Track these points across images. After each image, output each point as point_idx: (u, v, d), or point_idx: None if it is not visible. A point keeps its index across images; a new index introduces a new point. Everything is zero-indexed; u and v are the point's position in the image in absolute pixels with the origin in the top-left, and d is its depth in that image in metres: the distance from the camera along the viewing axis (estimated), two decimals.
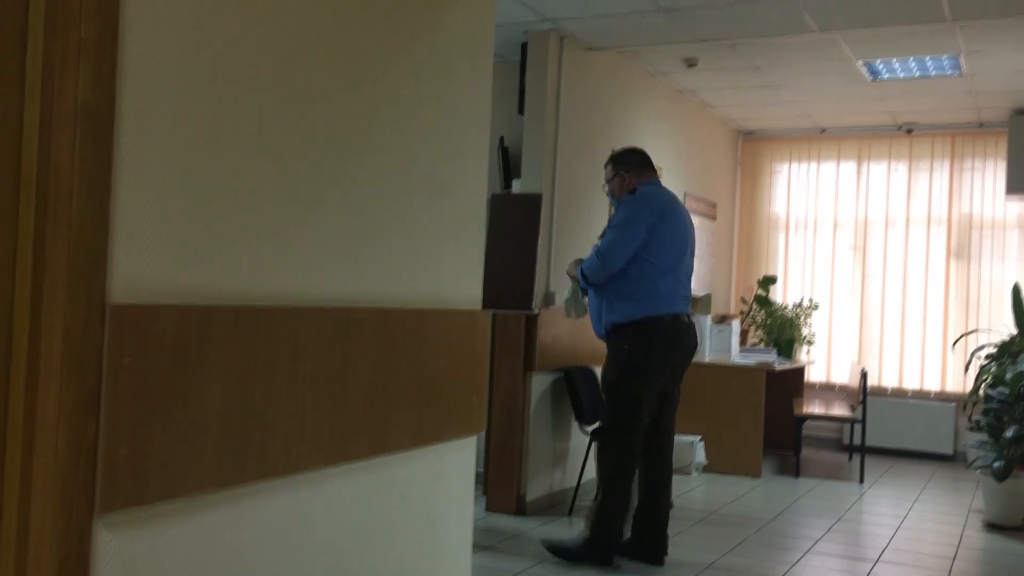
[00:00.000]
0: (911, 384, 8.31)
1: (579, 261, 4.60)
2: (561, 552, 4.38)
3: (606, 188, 4.67)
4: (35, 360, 1.54)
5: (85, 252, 1.56)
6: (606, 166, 4.68)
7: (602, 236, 4.46)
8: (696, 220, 7.87)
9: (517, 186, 5.83)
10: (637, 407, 4.32)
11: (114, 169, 1.61)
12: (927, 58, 6.14)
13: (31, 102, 1.55)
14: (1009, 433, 5.46)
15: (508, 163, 6.07)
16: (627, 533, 4.39)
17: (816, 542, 5.07)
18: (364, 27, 2.24)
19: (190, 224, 1.78)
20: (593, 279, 4.41)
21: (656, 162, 7.03)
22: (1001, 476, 5.39)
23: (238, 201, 1.89)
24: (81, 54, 1.55)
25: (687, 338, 4.45)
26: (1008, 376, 5.66)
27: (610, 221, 4.50)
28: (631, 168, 4.57)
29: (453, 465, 2.67)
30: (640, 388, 4.32)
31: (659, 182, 4.63)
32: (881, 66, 6.39)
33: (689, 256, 4.54)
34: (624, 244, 4.29)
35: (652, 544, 4.42)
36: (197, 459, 1.77)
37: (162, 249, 1.72)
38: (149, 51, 1.68)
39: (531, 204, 5.56)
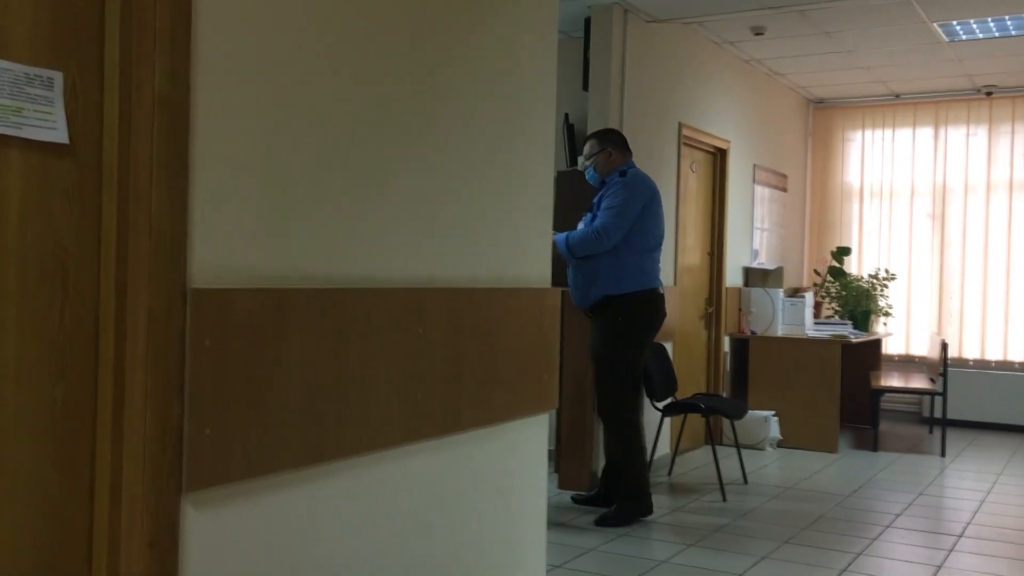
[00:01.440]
0: (994, 355, 8.07)
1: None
2: (611, 522, 4.64)
3: (588, 163, 4.85)
4: (121, 345, 1.59)
5: (166, 239, 1.61)
6: (588, 140, 4.89)
7: (590, 212, 4.78)
8: (766, 192, 7.76)
9: (583, 163, 5.79)
10: (637, 373, 4.79)
11: (191, 157, 1.66)
12: (1006, 17, 5.91)
13: (110, 94, 1.60)
14: None
15: (574, 140, 6.03)
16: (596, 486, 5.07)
17: (896, 517, 4.97)
18: (429, 7, 2.24)
19: (266, 209, 1.82)
20: (579, 253, 4.69)
21: (724, 134, 6.96)
22: None
23: (311, 185, 1.92)
24: (157, 46, 1.59)
25: (663, 310, 4.89)
26: None
27: (599, 198, 4.76)
28: (616, 146, 4.83)
29: (525, 442, 2.68)
30: (637, 356, 4.77)
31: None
32: (958, 27, 6.17)
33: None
34: (622, 224, 4.62)
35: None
36: (277, 438, 1.81)
37: (239, 234, 1.76)
38: (221, 41, 1.71)
39: None
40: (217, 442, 1.69)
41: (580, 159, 4.95)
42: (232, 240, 1.75)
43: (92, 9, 1.59)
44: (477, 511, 2.48)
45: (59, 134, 1.54)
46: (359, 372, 2.01)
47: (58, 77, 1.54)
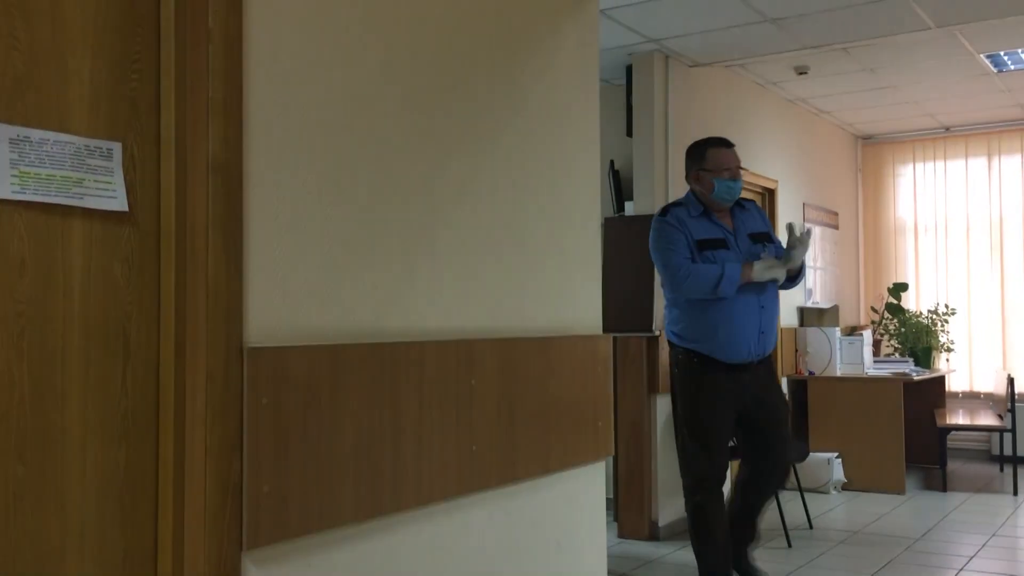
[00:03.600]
0: None
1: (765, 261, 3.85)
2: None
3: (728, 175, 3.86)
4: (181, 405, 1.63)
5: (222, 300, 1.65)
6: (733, 147, 3.99)
7: (768, 241, 3.91)
8: (817, 230, 7.69)
9: (630, 208, 5.81)
10: None
11: (245, 220, 1.70)
12: None
13: (166, 162, 1.66)
14: None
15: (620, 186, 6.05)
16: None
17: (970, 559, 4.80)
18: (472, 64, 2.29)
19: (318, 268, 1.85)
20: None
21: (771, 174, 6.92)
22: None
23: (362, 242, 1.96)
24: (211, 114, 1.65)
25: None
26: None
27: (750, 221, 3.95)
28: None
29: (582, 491, 2.66)
30: None
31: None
32: (1006, 57, 6.09)
33: None
34: None
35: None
36: (335, 493, 1.82)
37: (293, 293, 1.80)
38: (272, 107, 1.77)
39: (645, 225, 5.52)
40: (275, 499, 1.70)
41: (721, 179, 3.81)
42: (286, 299, 1.79)
43: (148, 82, 1.66)
44: (536, 562, 2.46)
45: (119, 202, 1.59)
46: (413, 425, 2.03)
47: (117, 148, 1.60)
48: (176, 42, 1.66)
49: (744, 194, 6.59)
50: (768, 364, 3.97)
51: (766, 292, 3.84)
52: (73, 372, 1.53)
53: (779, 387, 4.04)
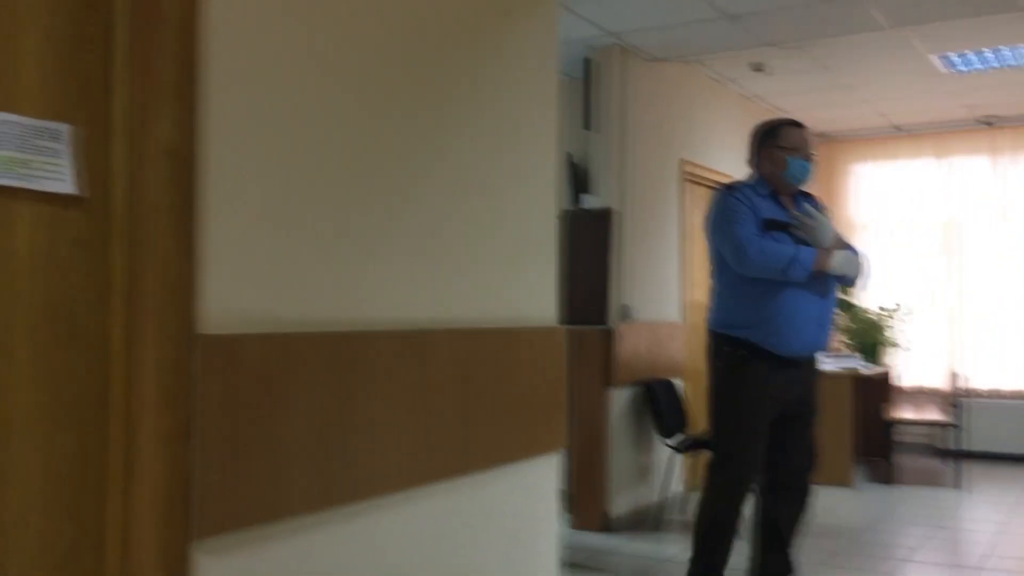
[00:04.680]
0: (1008, 385, 8.01)
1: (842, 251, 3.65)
2: None
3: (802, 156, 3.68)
4: (131, 392, 1.60)
5: (174, 286, 1.62)
6: (806, 129, 3.80)
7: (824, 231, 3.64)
8: None
9: (587, 201, 5.83)
10: None
11: (198, 205, 1.68)
12: (1004, 48, 5.95)
13: (118, 144, 1.63)
14: None
15: (577, 179, 6.07)
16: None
17: (913, 551, 4.91)
18: (429, 53, 2.28)
19: (273, 255, 1.83)
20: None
21: (727, 170, 6.99)
22: None
23: (318, 231, 1.94)
24: (164, 97, 1.62)
25: None
26: None
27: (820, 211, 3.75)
28: None
29: (536, 482, 2.67)
30: None
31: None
32: (956, 58, 6.22)
33: (710, 263, 3.88)
34: None
35: None
36: (287, 483, 1.81)
37: (248, 280, 1.77)
38: (228, 90, 1.74)
39: (602, 219, 5.56)
40: (227, 488, 1.69)
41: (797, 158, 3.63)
42: (240, 286, 1.76)
43: (100, 63, 1.62)
44: (489, 552, 2.46)
45: (67, 185, 1.56)
46: (367, 415, 2.02)
47: (66, 129, 1.57)
48: (131, 24, 1.63)
49: (698, 190, 6.70)
50: (814, 363, 3.78)
51: (828, 283, 3.62)
52: (19, 357, 1.50)
53: (818, 390, 3.83)
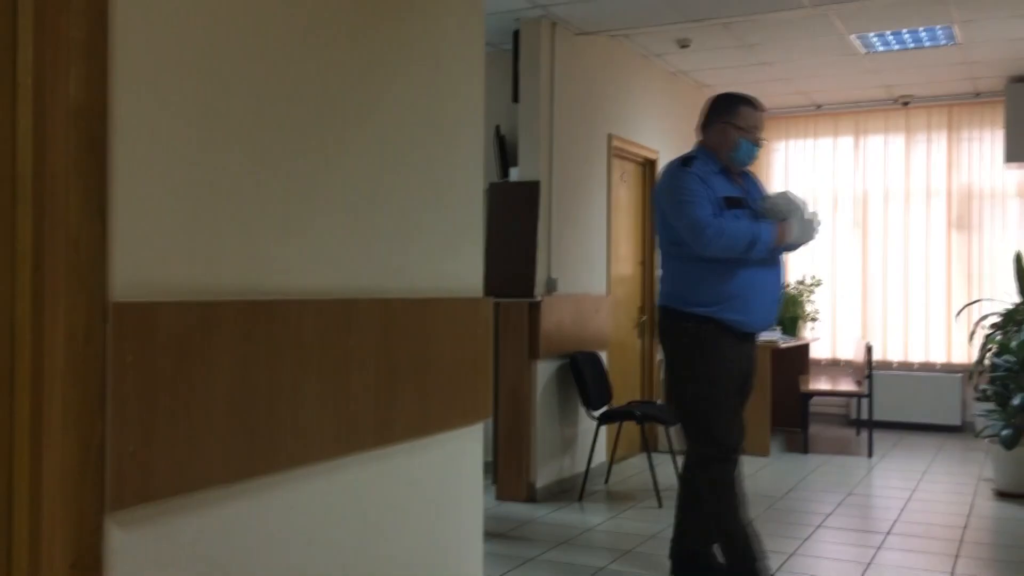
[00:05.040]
0: (916, 357, 8.31)
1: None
2: None
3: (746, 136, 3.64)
4: (39, 361, 1.55)
5: (84, 252, 1.57)
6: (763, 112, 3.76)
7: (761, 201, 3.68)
8: None
9: (515, 174, 5.83)
10: None
11: (109, 169, 1.62)
12: (920, 29, 6.12)
13: (23, 104, 1.56)
14: (1016, 401, 5.46)
15: (505, 151, 6.06)
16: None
17: (827, 517, 5.08)
18: (353, 19, 2.23)
19: (189, 221, 1.78)
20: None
21: (653, 145, 7.06)
22: (1010, 444, 5.39)
23: (236, 197, 1.89)
24: (72, 55, 1.55)
25: (657, 328, 3.89)
26: (1013, 344, 5.66)
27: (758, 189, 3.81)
28: None
29: (461, 452, 2.68)
30: None
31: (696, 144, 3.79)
32: (875, 39, 6.37)
33: (660, 238, 3.79)
34: None
35: None
36: (204, 454, 1.77)
37: (162, 247, 1.72)
38: (140, 50, 1.68)
39: (529, 192, 5.56)
40: (142, 459, 1.64)
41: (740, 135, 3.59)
42: (155, 252, 1.71)
43: (4, 18, 1.55)
44: (413, 523, 2.46)
45: None
46: (290, 385, 1.99)
47: None
48: None
49: (625, 164, 6.76)
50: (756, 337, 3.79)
51: (779, 256, 3.66)
52: None
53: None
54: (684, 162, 3.60)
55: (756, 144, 3.63)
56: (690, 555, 3.84)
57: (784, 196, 3.65)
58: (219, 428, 1.80)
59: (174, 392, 1.71)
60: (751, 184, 3.76)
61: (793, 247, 3.69)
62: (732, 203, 3.54)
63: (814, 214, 3.70)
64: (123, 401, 1.61)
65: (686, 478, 3.79)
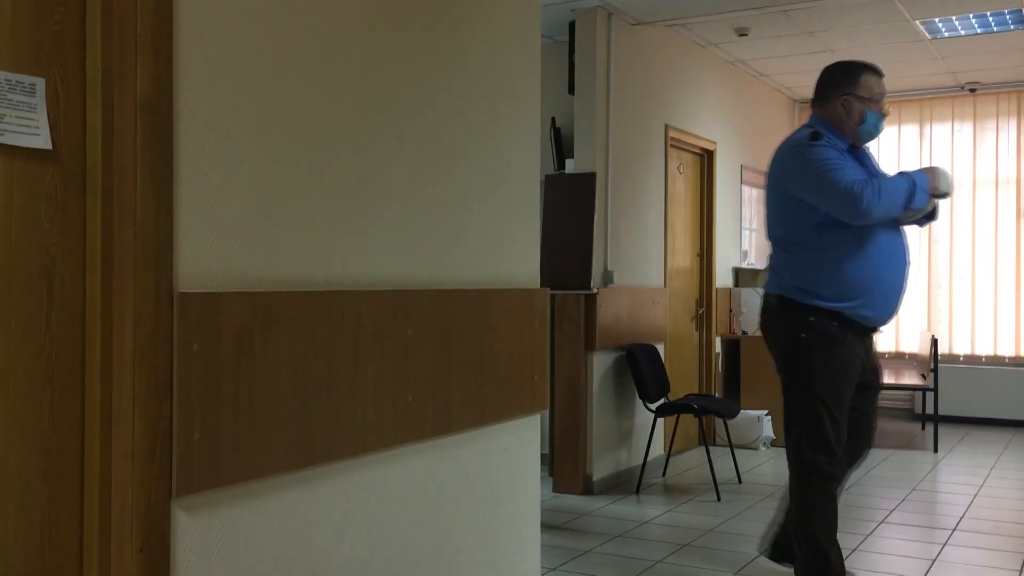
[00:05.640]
0: (984, 350, 8.10)
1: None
2: None
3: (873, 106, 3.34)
4: (108, 350, 1.59)
5: (151, 243, 1.60)
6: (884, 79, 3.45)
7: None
8: (754, 192, 7.78)
9: (571, 166, 5.82)
10: None
11: (175, 162, 1.65)
12: (988, 13, 5.95)
13: (92, 99, 1.60)
14: None
15: (561, 144, 6.05)
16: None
17: (890, 512, 4.99)
18: (412, 12, 2.25)
19: (252, 213, 1.82)
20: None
21: (710, 135, 6.98)
22: None
23: (296, 189, 1.92)
24: (138, 51, 1.59)
25: (762, 318, 3.52)
26: None
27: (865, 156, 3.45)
28: None
29: (517, 444, 2.68)
30: None
31: (810, 119, 3.46)
32: (940, 24, 6.21)
33: (772, 224, 3.44)
34: None
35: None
36: (267, 442, 1.81)
37: (226, 238, 1.76)
38: (204, 45, 1.71)
39: (585, 183, 5.55)
40: (206, 446, 1.68)
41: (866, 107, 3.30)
42: (219, 244, 1.75)
43: (73, 16, 1.59)
44: (469, 513, 2.48)
45: (42, 140, 1.54)
46: (349, 374, 2.01)
47: (40, 83, 1.54)
48: None
49: (682, 155, 6.69)
50: None
51: (905, 243, 3.35)
52: None
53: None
54: (812, 136, 3.25)
55: (883, 115, 3.34)
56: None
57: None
58: (280, 416, 1.84)
59: (237, 380, 1.74)
60: (869, 161, 3.40)
61: (924, 219, 3.34)
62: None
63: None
64: (188, 389, 1.65)
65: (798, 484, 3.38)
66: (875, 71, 3.38)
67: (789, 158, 3.29)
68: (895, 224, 3.27)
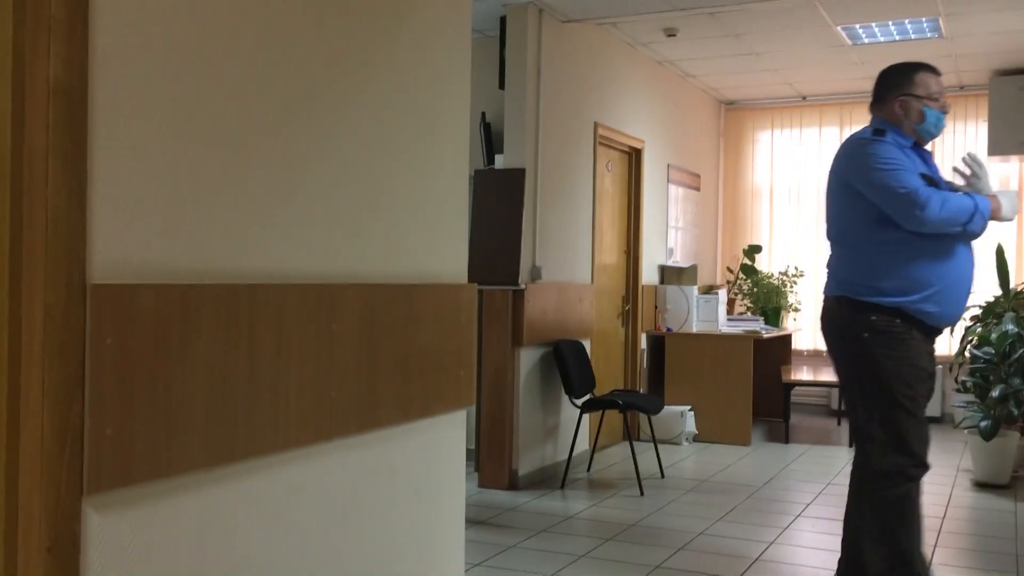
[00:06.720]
0: None
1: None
2: None
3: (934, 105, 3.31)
4: (17, 343, 1.53)
5: (63, 233, 1.55)
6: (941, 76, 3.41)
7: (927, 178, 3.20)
8: (680, 191, 7.90)
9: (500, 161, 5.82)
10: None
11: (89, 149, 1.60)
12: (906, 21, 6.14)
13: (2, 83, 1.54)
14: (995, 393, 5.51)
15: (491, 139, 6.05)
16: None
17: (806, 506, 5.12)
18: (339, 5, 2.22)
19: (170, 203, 1.77)
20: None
21: (639, 134, 7.05)
22: (988, 435, 5.44)
23: (217, 180, 1.88)
24: (52, 33, 1.53)
25: (822, 322, 3.41)
26: (993, 336, 5.70)
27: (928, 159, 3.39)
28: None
29: (443, 439, 2.67)
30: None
31: (872, 121, 3.41)
32: (860, 31, 6.38)
33: (833, 221, 3.35)
34: None
35: None
36: (183, 438, 1.76)
37: (143, 228, 1.71)
38: (121, 29, 1.66)
39: (515, 179, 5.56)
40: (119, 442, 1.63)
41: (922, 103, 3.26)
42: (136, 235, 1.70)
43: None
44: (394, 509, 2.46)
45: None
46: (270, 370, 1.98)
47: None
48: None
49: (611, 153, 6.75)
50: None
51: (971, 243, 3.27)
52: None
53: None
54: (876, 132, 3.24)
55: (943, 111, 3.30)
56: None
57: (979, 162, 3.29)
58: (198, 412, 1.79)
59: (152, 375, 1.70)
60: (933, 164, 3.36)
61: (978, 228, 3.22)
62: (928, 182, 3.15)
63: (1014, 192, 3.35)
64: (101, 383, 1.60)
65: (869, 496, 3.23)
66: (931, 69, 3.35)
67: (852, 152, 3.27)
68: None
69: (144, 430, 1.68)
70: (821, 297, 3.47)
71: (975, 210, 3.10)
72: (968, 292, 3.25)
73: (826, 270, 3.39)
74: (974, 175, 3.24)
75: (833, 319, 3.30)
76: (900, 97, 3.28)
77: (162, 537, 1.76)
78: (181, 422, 1.76)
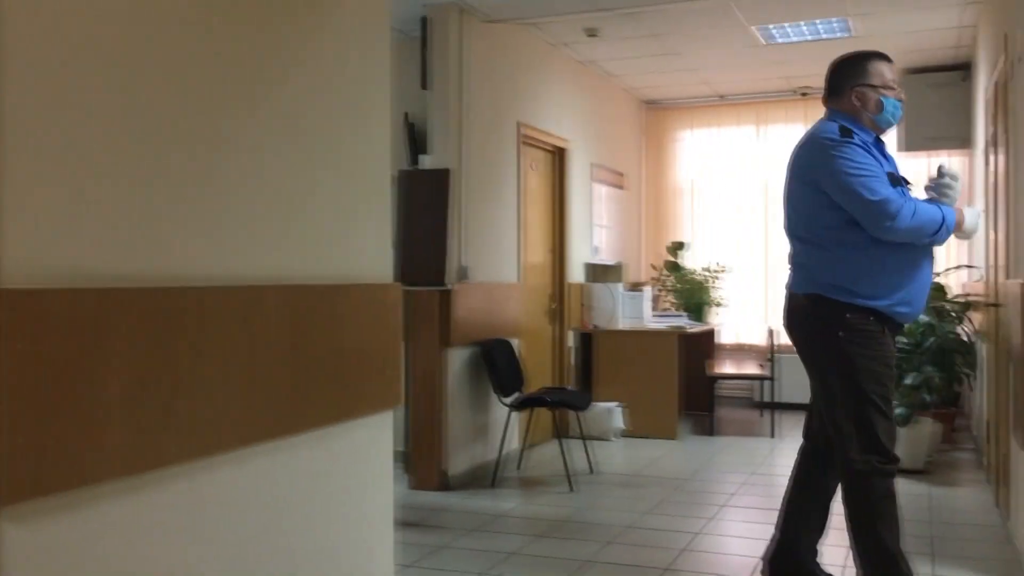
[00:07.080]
0: None
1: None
2: None
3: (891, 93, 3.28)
4: None
5: None
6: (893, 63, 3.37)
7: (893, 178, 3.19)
8: (604, 190, 7.98)
9: (425, 162, 5.80)
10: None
11: None
12: (817, 21, 6.31)
13: None
14: (909, 380, 5.70)
15: (415, 139, 6.02)
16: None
17: (731, 496, 5.22)
18: (254, 4, 2.19)
19: (84, 206, 1.72)
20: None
21: (562, 134, 7.11)
22: (903, 422, 5.63)
23: (134, 183, 1.84)
24: None
25: (790, 318, 3.39)
26: (907, 326, 5.89)
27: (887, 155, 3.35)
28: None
29: (370, 440, 2.66)
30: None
31: (825, 113, 3.40)
32: (774, 30, 6.54)
33: (799, 218, 3.31)
34: None
35: None
36: (100, 445, 1.72)
37: (55, 231, 1.66)
38: (26, 28, 1.61)
39: (440, 179, 5.55)
40: (33, 451, 1.59)
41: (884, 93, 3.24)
42: (48, 238, 1.65)
43: None
44: (322, 512, 2.44)
45: None
46: (190, 374, 1.94)
47: None
48: None
49: (535, 153, 6.80)
50: None
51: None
52: None
53: None
54: (842, 132, 3.16)
55: (899, 99, 3.27)
56: (796, 570, 3.47)
57: (953, 174, 3.24)
58: (115, 419, 1.75)
59: (68, 381, 1.65)
60: (889, 155, 3.31)
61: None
62: (895, 181, 3.14)
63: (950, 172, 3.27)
64: (12, 390, 1.55)
65: (849, 494, 3.25)
66: (883, 57, 3.31)
67: (820, 153, 3.19)
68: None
69: (60, 438, 1.64)
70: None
71: (942, 222, 3.11)
72: (927, 290, 3.28)
73: (790, 265, 3.36)
74: (948, 186, 3.21)
75: (805, 317, 3.28)
76: (856, 88, 3.24)
77: (82, 547, 1.72)
78: (98, 428, 1.72)
